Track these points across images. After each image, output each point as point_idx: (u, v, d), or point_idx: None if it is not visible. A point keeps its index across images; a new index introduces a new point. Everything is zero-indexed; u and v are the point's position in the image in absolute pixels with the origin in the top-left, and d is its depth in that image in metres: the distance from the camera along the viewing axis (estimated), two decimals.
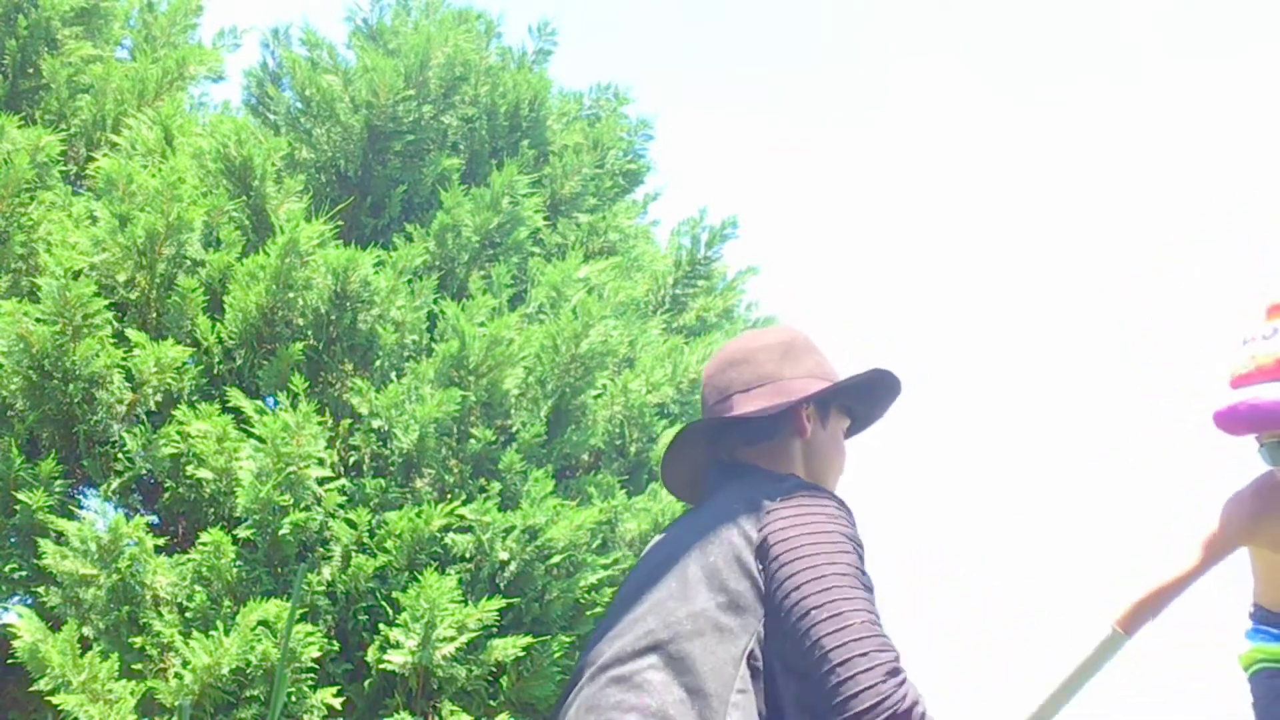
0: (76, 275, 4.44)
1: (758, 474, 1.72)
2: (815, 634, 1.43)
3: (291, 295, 4.59)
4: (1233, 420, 2.17)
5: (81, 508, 4.54)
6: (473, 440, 4.57)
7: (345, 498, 4.38)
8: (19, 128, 4.98)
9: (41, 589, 4.16)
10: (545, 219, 5.65)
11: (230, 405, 4.43)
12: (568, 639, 4.29)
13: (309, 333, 4.66)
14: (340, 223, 5.11)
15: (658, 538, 1.83)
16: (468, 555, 4.34)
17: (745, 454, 1.80)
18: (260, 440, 4.20)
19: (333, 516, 4.30)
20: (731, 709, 1.44)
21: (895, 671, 1.40)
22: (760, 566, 1.54)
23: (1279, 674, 2.42)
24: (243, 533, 4.16)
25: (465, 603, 4.13)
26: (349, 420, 4.61)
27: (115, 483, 4.41)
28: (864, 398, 1.86)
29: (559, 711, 1.69)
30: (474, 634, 4.10)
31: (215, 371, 4.65)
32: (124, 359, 4.42)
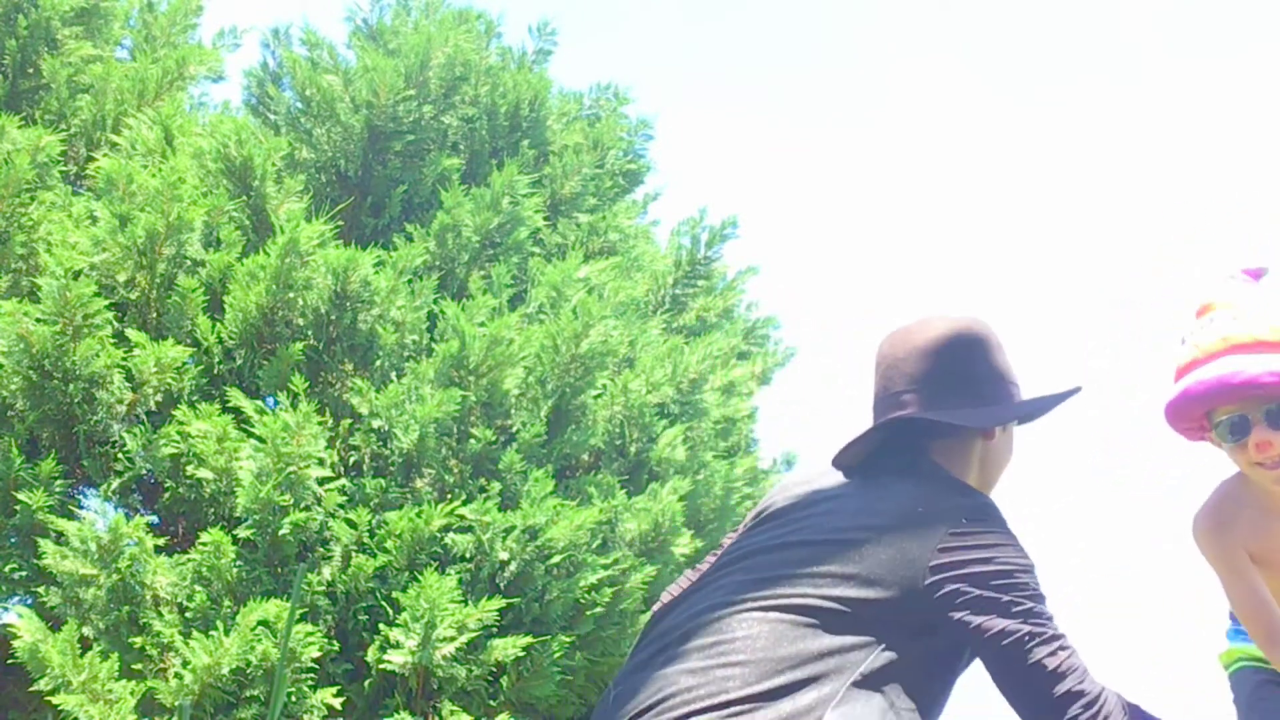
0: (76, 275, 4.44)
1: (937, 474, 1.72)
2: (1023, 661, 1.49)
3: (291, 295, 4.59)
4: (1185, 402, 2.10)
5: (81, 508, 4.54)
6: (473, 440, 4.57)
7: (345, 498, 4.38)
8: (19, 128, 4.98)
9: (41, 589, 4.16)
10: (545, 219, 5.65)
11: (230, 405, 4.43)
12: (568, 639, 4.29)
13: (309, 333, 4.66)
14: (340, 223, 5.11)
15: (814, 483, 1.80)
16: (468, 555, 4.34)
17: (928, 444, 1.79)
18: (260, 440, 4.20)
19: (333, 516, 4.30)
20: (846, 692, 1.45)
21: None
22: (933, 581, 1.54)
23: (1259, 670, 2.41)
24: (243, 533, 4.16)
25: (465, 603, 4.13)
26: (349, 420, 4.61)
27: (115, 483, 4.41)
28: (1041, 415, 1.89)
29: (655, 622, 1.69)
30: (474, 634, 4.10)
31: (215, 371, 4.65)
32: (124, 359, 4.42)
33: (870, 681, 1.46)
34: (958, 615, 1.50)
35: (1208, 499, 2.21)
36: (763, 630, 1.50)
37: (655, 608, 1.79)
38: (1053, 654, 1.48)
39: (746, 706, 1.43)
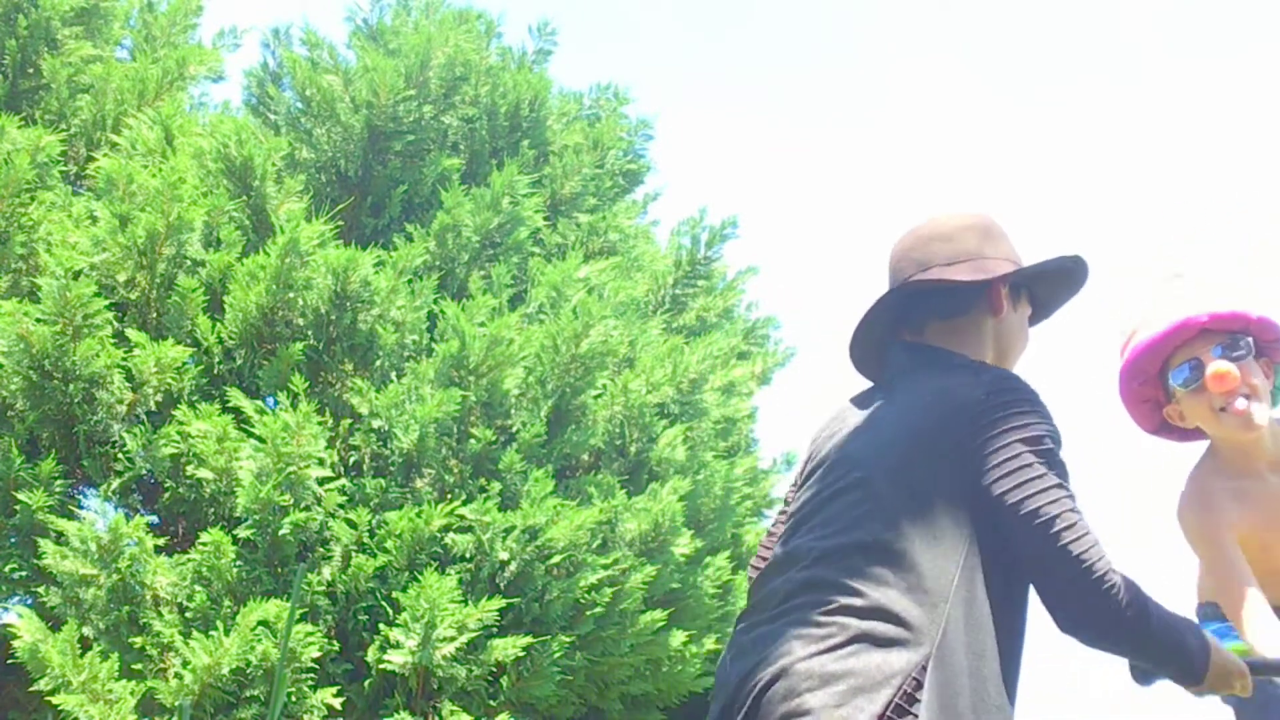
0: (76, 275, 4.44)
1: (951, 361, 1.74)
2: (1039, 533, 1.53)
3: (291, 295, 4.59)
4: (1138, 359, 2.11)
5: (81, 508, 4.54)
6: (473, 440, 4.57)
7: (345, 498, 4.38)
8: (19, 128, 4.98)
9: (41, 589, 4.16)
10: (545, 219, 5.65)
11: (230, 405, 4.43)
12: (568, 639, 4.29)
13: (309, 333, 4.66)
14: (340, 223, 5.11)
15: (846, 419, 1.83)
16: (468, 555, 4.34)
17: (935, 329, 1.81)
18: (260, 440, 4.20)
19: (333, 516, 4.30)
20: (952, 607, 1.51)
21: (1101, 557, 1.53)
22: (967, 460, 1.59)
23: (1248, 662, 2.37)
24: (243, 533, 4.16)
25: (465, 603, 4.13)
26: (349, 420, 4.61)
27: (115, 483, 4.41)
28: (1051, 285, 1.90)
29: (755, 590, 1.72)
30: (474, 634, 4.10)
31: (215, 371, 4.65)
32: (124, 359, 4.42)
33: (964, 603, 1.51)
34: (995, 490, 1.56)
35: (1186, 487, 2.21)
36: (852, 577, 1.55)
37: (749, 576, 1.84)
38: (1077, 540, 1.52)
39: (852, 648, 1.49)
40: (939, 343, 1.79)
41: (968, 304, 1.80)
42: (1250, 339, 2.10)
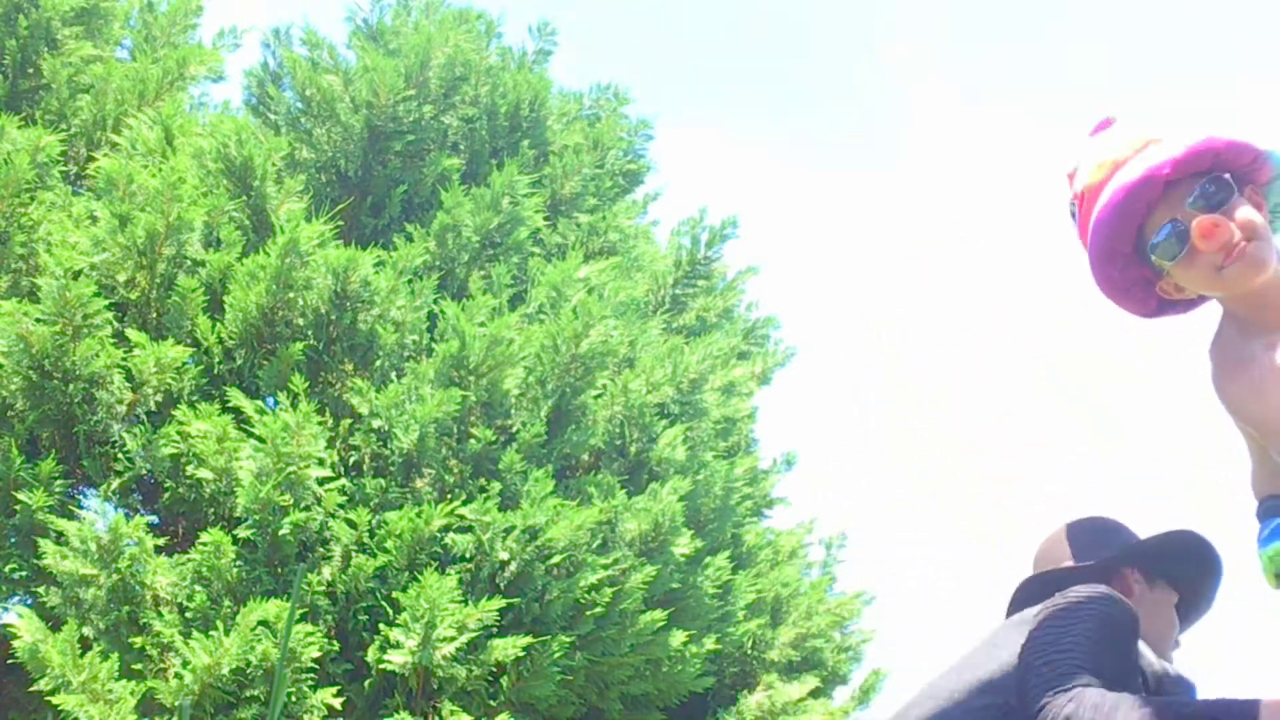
0: (76, 275, 4.44)
1: None
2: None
3: (291, 295, 4.59)
4: (1104, 254, 1.71)
5: (81, 508, 4.53)
6: (473, 440, 4.57)
7: (345, 498, 4.38)
8: (19, 128, 4.98)
9: (41, 589, 4.16)
10: (545, 219, 5.65)
11: (230, 405, 4.43)
12: (568, 639, 4.29)
13: (309, 333, 4.66)
14: (340, 223, 5.11)
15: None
16: (468, 555, 4.34)
17: None
18: (260, 440, 4.20)
19: (333, 516, 4.30)
20: None
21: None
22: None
23: None
24: (243, 533, 4.16)
25: (465, 603, 4.13)
26: (349, 420, 4.61)
27: (115, 483, 4.41)
28: (1178, 565, 1.92)
29: None
30: (474, 634, 4.10)
31: (215, 371, 4.65)
32: (124, 359, 4.42)
33: None
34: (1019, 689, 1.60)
35: (1214, 362, 1.82)
36: None
37: None
38: None
39: None
40: None
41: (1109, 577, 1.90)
42: (1226, 175, 1.73)
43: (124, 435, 4.39)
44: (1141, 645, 1.70)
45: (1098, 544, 1.90)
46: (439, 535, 4.31)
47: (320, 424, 4.31)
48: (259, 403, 4.44)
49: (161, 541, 4.26)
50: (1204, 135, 1.70)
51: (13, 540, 4.28)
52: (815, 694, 5.83)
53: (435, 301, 4.87)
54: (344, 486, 4.39)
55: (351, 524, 4.28)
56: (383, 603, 4.22)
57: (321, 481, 4.29)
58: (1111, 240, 1.74)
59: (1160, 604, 1.90)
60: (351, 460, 4.61)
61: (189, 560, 4.14)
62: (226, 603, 4.07)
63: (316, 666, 4.07)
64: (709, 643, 5.00)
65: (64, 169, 5.14)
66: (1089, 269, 1.78)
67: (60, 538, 4.12)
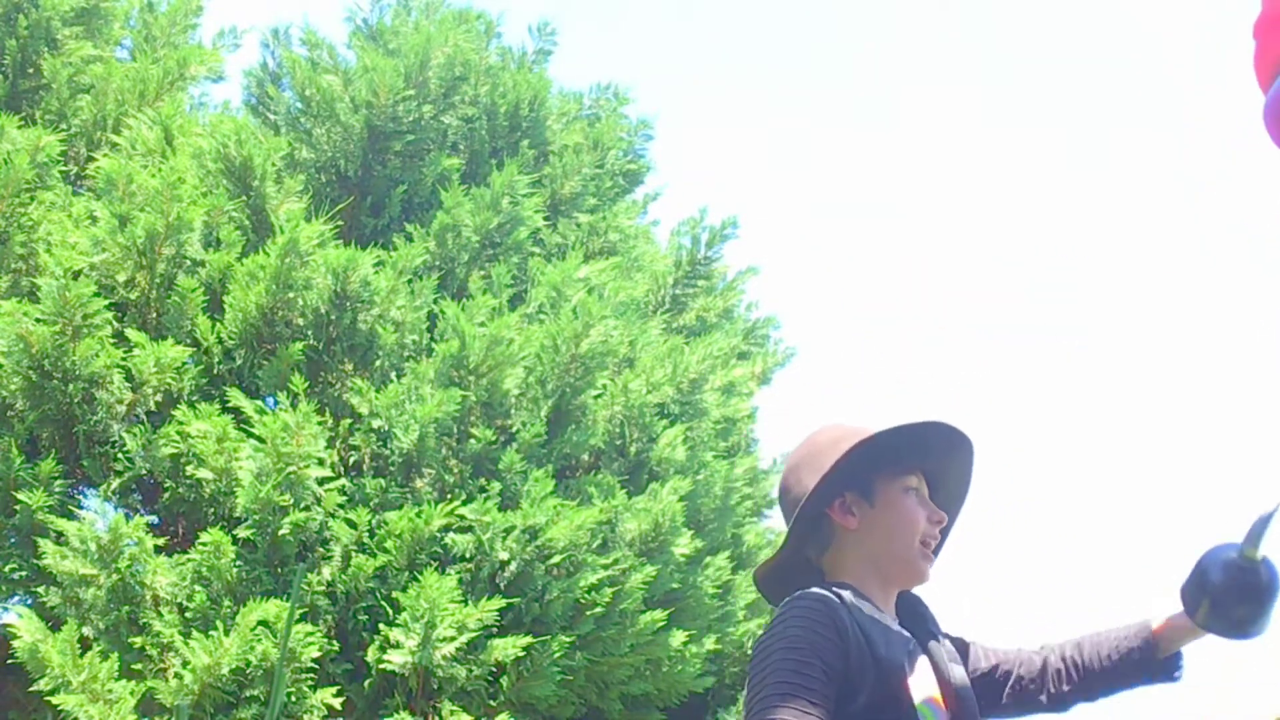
0: (76, 275, 4.44)
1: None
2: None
3: (291, 295, 4.59)
4: None
5: (81, 508, 4.54)
6: (473, 440, 4.57)
7: (345, 498, 4.38)
8: (19, 128, 4.98)
9: (41, 589, 4.16)
10: (545, 219, 5.65)
11: (230, 405, 4.43)
12: (568, 639, 4.29)
13: (309, 333, 4.66)
14: (340, 223, 5.11)
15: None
16: (468, 555, 4.34)
17: (821, 560, 1.80)
18: (260, 440, 4.20)
19: (333, 516, 4.30)
20: None
21: None
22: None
23: None
24: (243, 533, 4.16)
25: (465, 603, 4.13)
26: (349, 420, 4.61)
27: (115, 483, 4.41)
28: (906, 452, 1.79)
29: None
30: (474, 634, 4.10)
31: (215, 371, 4.65)
32: (124, 359, 4.42)
33: None
34: None
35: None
36: None
37: None
38: None
39: None
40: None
41: (824, 538, 1.78)
42: None
43: (124, 435, 4.39)
44: (857, 612, 1.62)
45: (793, 500, 1.78)
46: (439, 535, 4.31)
47: (320, 424, 4.31)
48: (259, 403, 4.44)
49: (161, 541, 4.26)
50: None
51: (13, 540, 4.29)
52: None
53: (435, 301, 4.87)
54: (344, 486, 4.39)
55: (351, 524, 4.28)
56: (383, 603, 4.22)
57: (321, 481, 4.30)
58: None
59: (890, 504, 1.76)
60: (351, 460, 4.61)
61: (189, 560, 4.14)
62: (226, 603, 4.07)
63: (316, 666, 4.07)
64: (709, 643, 5.00)
65: (64, 169, 5.14)
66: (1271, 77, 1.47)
67: (60, 538, 4.13)
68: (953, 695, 1.66)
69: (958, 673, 1.69)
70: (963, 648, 1.84)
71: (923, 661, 1.68)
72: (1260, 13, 1.48)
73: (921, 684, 1.63)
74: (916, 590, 1.80)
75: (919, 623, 1.76)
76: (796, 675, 1.53)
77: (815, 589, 1.64)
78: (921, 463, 1.80)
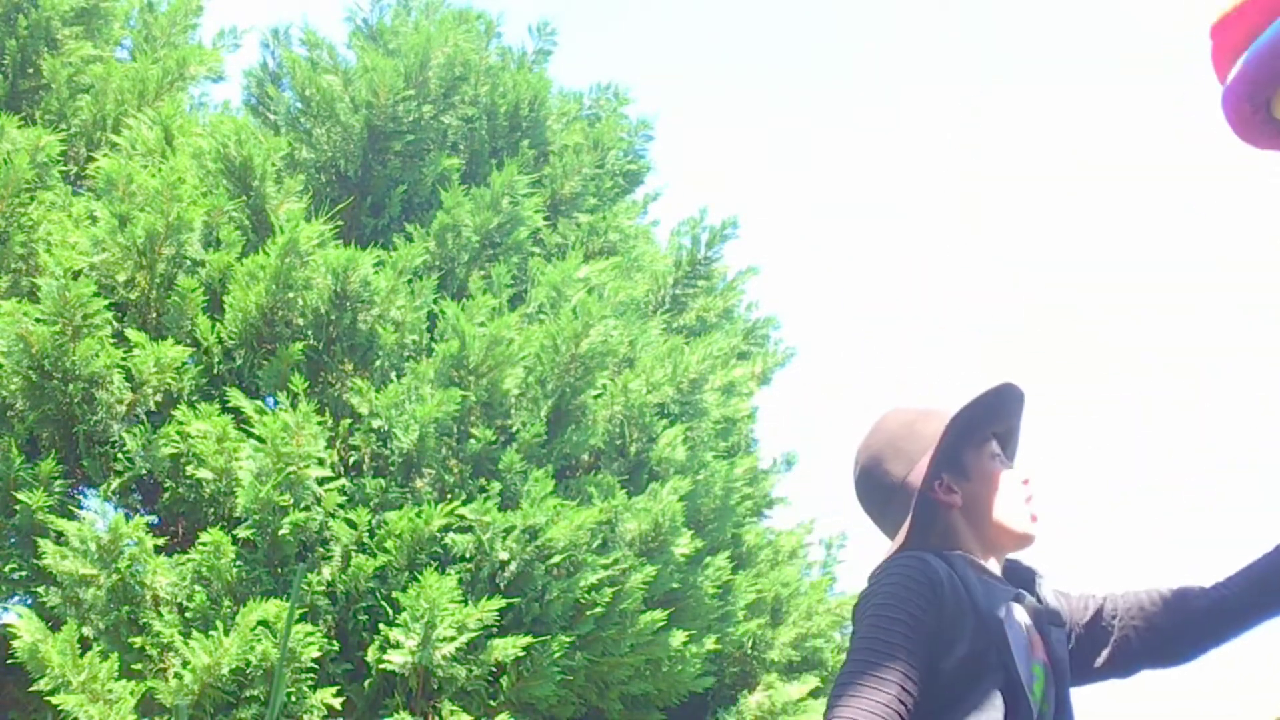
0: (76, 275, 4.44)
1: None
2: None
3: (291, 295, 4.59)
4: (1256, 72, 1.42)
5: (81, 508, 4.54)
6: (473, 440, 4.57)
7: (345, 498, 4.38)
8: (19, 128, 4.98)
9: (41, 589, 4.16)
10: (545, 219, 5.65)
11: (230, 405, 4.43)
12: (568, 639, 4.29)
13: (309, 333, 4.66)
14: (340, 223, 5.11)
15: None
16: (468, 555, 4.34)
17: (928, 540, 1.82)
18: (260, 440, 4.20)
19: (333, 516, 4.30)
20: None
21: None
22: None
23: None
24: (243, 533, 4.16)
25: (465, 603, 4.13)
26: (349, 420, 4.61)
27: (115, 483, 4.41)
28: (983, 421, 1.81)
29: None
30: (474, 634, 4.10)
31: (215, 371, 4.65)
32: (124, 359, 4.42)
33: None
34: None
35: None
36: None
37: None
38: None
39: None
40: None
41: (926, 521, 1.77)
42: None
43: (124, 435, 4.39)
44: (959, 565, 1.65)
45: (886, 492, 1.78)
46: (439, 535, 4.31)
47: (320, 424, 4.31)
48: (259, 403, 4.44)
49: (161, 541, 4.26)
50: None
51: (13, 540, 4.29)
52: (815, 694, 5.83)
53: (435, 301, 4.87)
54: (344, 486, 4.39)
55: (351, 524, 4.28)
56: (383, 603, 4.22)
57: (321, 481, 4.30)
58: (1259, 85, 1.47)
59: (982, 475, 1.79)
60: (351, 460, 4.61)
61: (189, 560, 4.14)
62: (226, 603, 4.07)
63: (316, 666, 4.07)
64: (709, 643, 5.00)
65: (64, 169, 5.14)
66: (1235, 125, 1.54)
67: (60, 538, 4.13)
68: (1051, 655, 1.70)
69: (1056, 635, 1.73)
70: (1064, 607, 1.84)
71: (1022, 615, 1.71)
72: (1217, 16, 1.56)
73: (1020, 638, 1.67)
74: (1022, 555, 1.82)
75: (1026, 587, 1.79)
76: (880, 641, 1.57)
77: (913, 551, 1.67)
78: (996, 427, 1.84)
